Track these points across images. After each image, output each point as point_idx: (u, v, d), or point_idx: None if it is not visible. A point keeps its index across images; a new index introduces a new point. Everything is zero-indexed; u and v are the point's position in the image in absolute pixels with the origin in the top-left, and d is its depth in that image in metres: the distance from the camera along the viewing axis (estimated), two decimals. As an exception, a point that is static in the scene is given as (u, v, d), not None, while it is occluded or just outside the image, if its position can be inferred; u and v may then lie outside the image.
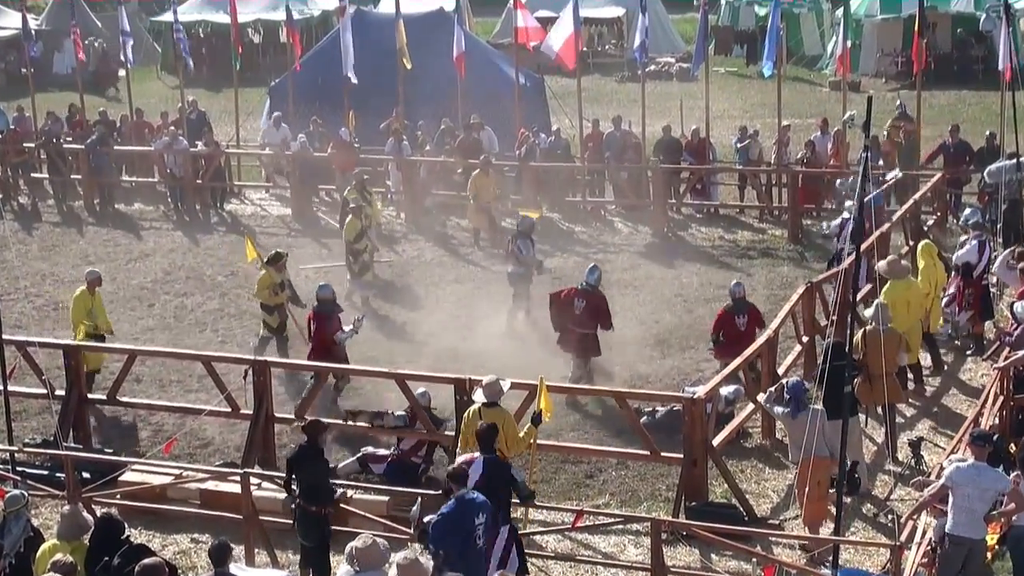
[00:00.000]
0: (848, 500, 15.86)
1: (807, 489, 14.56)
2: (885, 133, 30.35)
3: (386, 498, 16.00)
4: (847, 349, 14.28)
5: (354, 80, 32.07)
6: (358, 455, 17.80)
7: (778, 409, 15.50)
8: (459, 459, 13.99)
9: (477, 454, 13.93)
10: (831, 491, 14.84)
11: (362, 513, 15.30)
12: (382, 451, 17.84)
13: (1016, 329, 18.37)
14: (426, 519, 13.43)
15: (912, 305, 19.32)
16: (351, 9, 34.35)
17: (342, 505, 15.23)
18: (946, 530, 13.33)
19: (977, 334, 21.49)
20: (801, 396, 15.25)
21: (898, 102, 29.51)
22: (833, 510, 14.30)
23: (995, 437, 16.31)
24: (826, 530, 15.18)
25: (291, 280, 22.59)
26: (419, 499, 14.91)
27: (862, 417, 18.42)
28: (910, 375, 19.57)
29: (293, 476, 14.56)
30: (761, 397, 16.70)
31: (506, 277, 23.53)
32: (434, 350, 22.13)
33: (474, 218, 28.76)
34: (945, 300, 21.43)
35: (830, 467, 14.73)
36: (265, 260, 22.09)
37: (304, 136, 32.10)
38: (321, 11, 54.76)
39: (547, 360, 20.48)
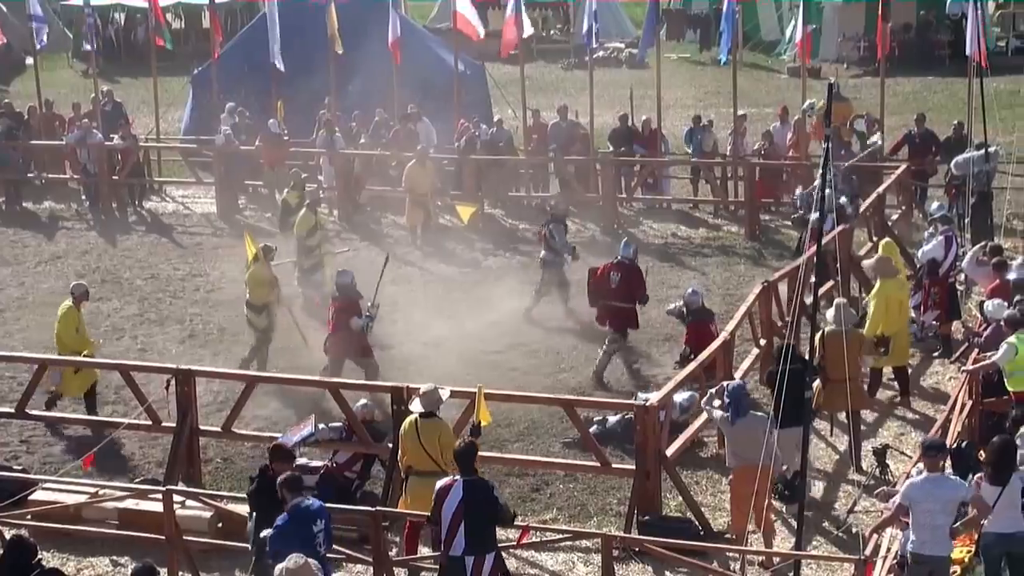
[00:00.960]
0: (809, 513, 15.99)
1: (752, 500, 14.67)
2: (810, 118, 30.21)
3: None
4: (809, 352, 14.37)
5: (281, 67, 32.00)
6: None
7: (717, 413, 15.54)
8: (439, 484, 13.76)
9: (456, 477, 13.73)
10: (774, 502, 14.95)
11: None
12: (316, 462, 17.76)
13: (986, 329, 18.55)
14: (262, 534, 13.35)
15: (904, 305, 19.47)
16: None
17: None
18: (908, 549, 13.44)
19: (944, 334, 21.66)
20: (742, 400, 15.29)
21: (831, 79, 29.96)
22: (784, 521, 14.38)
23: (964, 444, 16.50)
24: (787, 544, 15.29)
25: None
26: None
27: (823, 424, 18.61)
28: (892, 380, 19.71)
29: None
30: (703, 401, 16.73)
31: (539, 263, 24.37)
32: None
33: (410, 213, 28.74)
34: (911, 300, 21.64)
35: (768, 476, 14.77)
36: (253, 256, 22.13)
37: (229, 128, 31.97)
38: (248, -6, 54.65)
39: (501, 364, 20.48)
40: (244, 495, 16.53)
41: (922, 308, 21.74)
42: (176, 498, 15.48)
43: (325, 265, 25.00)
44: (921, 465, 13.78)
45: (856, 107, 33.73)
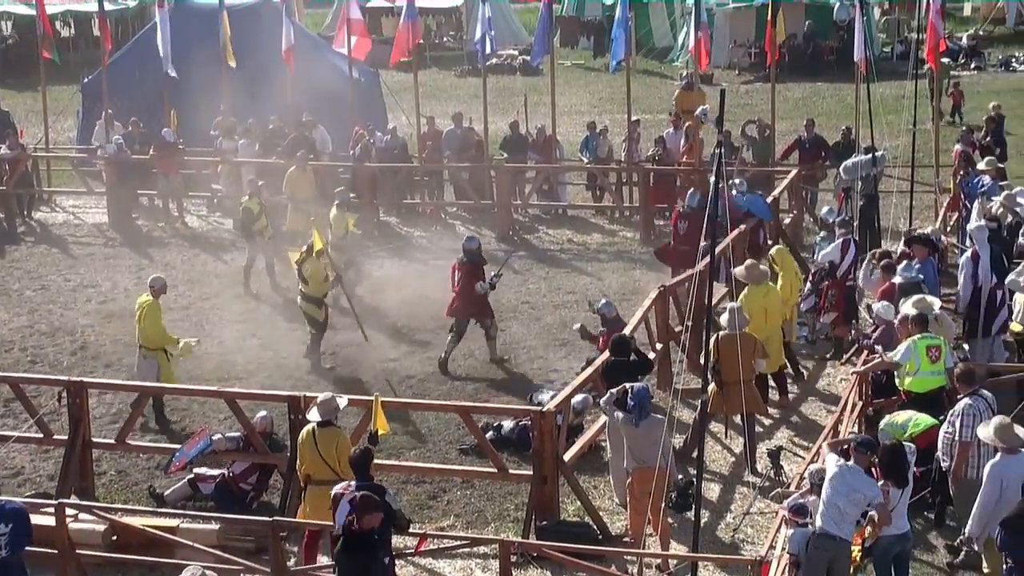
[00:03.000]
0: (706, 515, 16.12)
1: (647, 501, 14.77)
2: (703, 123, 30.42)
3: (216, 526, 15.81)
4: (704, 356, 14.47)
5: (172, 74, 31.68)
6: (189, 476, 17.56)
7: (619, 414, 15.59)
8: (334, 490, 13.74)
9: (350, 482, 13.69)
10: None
11: (191, 543, 15.09)
12: (213, 471, 17.62)
13: (875, 331, 18.80)
14: None
15: (770, 312, 19.52)
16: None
17: (168, 535, 15.03)
18: (815, 529, 13.58)
19: (839, 337, 21.87)
20: (646, 403, 15.37)
21: (683, 73, 30.58)
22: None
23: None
24: (684, 546, 15.38)
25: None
26: None
27: (719, 427, 18.76)
28: (772, 384, 19.89)
29: None
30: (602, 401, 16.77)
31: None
32: (272, 365, 21.99)
33: (292, 220, 28.31)
34: (804, 303, 21.85)
35: (664, 479, 14.89)
36: (303, 252, 22.17)
37: (120, 138, 31.59)
38: (138, 1, 54.03)
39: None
40: (138, 508, 16.48)
41: (818, 310, 21.99)
42: (69, 512, 15.26)
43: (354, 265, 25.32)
44: (820, 463, 14.02)
45: (746, 112, 34.11)
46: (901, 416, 16.38)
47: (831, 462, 13.81)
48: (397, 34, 32.44)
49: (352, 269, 24.92)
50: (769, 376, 19.72)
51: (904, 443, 14.89)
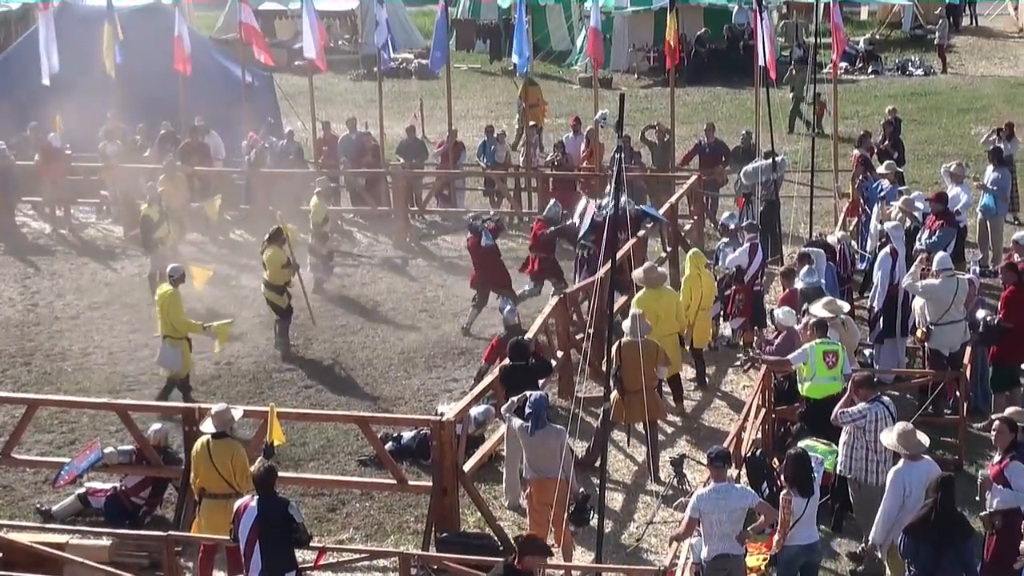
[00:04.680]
0: (609, 525, 16.16)
1: (547, 512, 14.78)
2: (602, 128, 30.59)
3: (108, 542, 15.59)
4: (606, 363, 14.49)
5: (46, 82, 31.16)
6: (79, 490, 17.31)
7: (517, 422, 15.57)
8: (237, 503, 13.62)
9: (252, 496, 13.59)
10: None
11: (81, 560, 14.87)
12: (105, 485, 17.38)
13: (777, 337, 18.95)
14: None
15: (662, 317, 19.47)
16: (55, 2, 33.46)
17: (57, 552, 14.80)
18: (703, 558, 13.67)
19: (747, 342, 22.01)
20: (543, 412, 15.34)
21: (524, 71, 30.92)
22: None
23: (758, 452, 16.87)
24: (587, 557, 15.40)
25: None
26: None
27: (621, 436, 18.82)
28: (667, 389, 19.96)
29: None
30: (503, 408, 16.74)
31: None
32: (166, 376, 21.73)
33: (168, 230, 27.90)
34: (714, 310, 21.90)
35: (565, 489, 14.87)
36: (266, 239, 22.84)
37: (1, 143, 31.04)
38: (21, 4, 53.16)
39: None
40: (25, 524, 16.21)
41: (726, 316, 22.12)
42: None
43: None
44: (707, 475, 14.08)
45: (646, 117, 34.29)
46: (821, 447, 16.40)
47: (693, 502, 13.79)
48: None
49: (324, 259, 26.03)
50: (665, 382, 19.80)
51: (808, 451, 15.01)
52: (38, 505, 17.42)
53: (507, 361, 17.55)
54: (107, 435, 19.01)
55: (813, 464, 14.45)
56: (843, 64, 43.90)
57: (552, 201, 25.48)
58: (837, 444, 15.91)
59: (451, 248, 29.22)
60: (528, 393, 15.71)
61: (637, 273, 20.26)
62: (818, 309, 18.28)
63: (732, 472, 14.95)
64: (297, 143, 31.87)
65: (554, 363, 19.80)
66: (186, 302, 20.89)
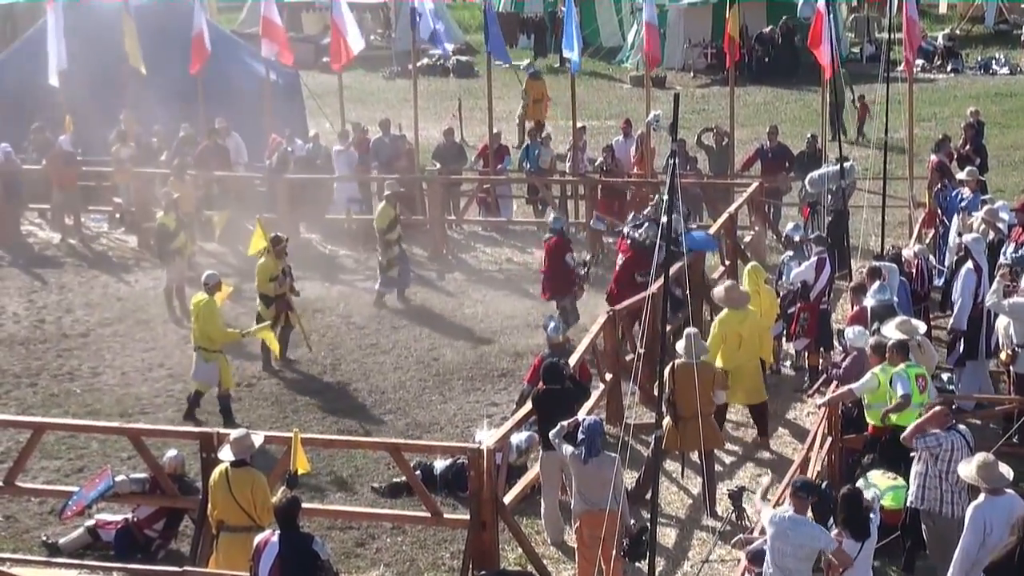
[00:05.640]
0: (661, 563, 16.11)
1: (597, 548, 14.73)
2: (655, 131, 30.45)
3: (117, 579, 15.70)
4: (659, 387, 14.45)
5: (54, 83, 31.35)
6: (88, 522, 17.40)
7: (568, 448, 15.53)
8: (257, 538, 13.66)
9: (273, 531, 13.62)
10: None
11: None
12: (116, 517, 17.45)
13: (845, 359, 18.86)
14: None
15: (747, 340, 19.52)
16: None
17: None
18: None
19: (812, 366, 21.86)
20: (597, 439, 15.30)
21: (526, 62, 30.83)
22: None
23: (824, 485, 16.76)
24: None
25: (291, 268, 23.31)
26: None
27: (674, 466, 18.77)
28: (750, 419, 19.91)
29: None
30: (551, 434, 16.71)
31: None
32: (182, 398, 21.84)
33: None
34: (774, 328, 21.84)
35: (616, 522, 14.85)
36: (263, 247, 22.96)
37: (8, 146, 31.29)
38: (28, -4, 53.60)
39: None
40: (30, 557, 16.29)
41: (790, 336, 21.99)
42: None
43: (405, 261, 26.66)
44: (787, 506, 13.98)
45: (703, 119, 34.28)
46: (884, 482, 16.32)
47: (767, 518, 13.75)
48: (333, 35, 31.88)
49: (397, 267, 26.23)
50: (749, 409, 19.77)
51: (869, 487, 14.92)
52: (44, 538, 17.52)
53: (541, 385, 17.52)
54: (118, 462, 19.09)
55: (869, 502, 14.32)
56: (919, 62, 43.73)
57: (553, 216, 25.40)
58: (907, 478, 15.83)
59: (491, 261, 29.25)
60: (582, 418, 15.70)
61: (718, 292, 20.23)
62: (891, 330, 18.14)
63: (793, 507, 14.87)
64: (324, 147, 31.85)
65: (601, 386, 19.81)
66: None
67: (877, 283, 20.17)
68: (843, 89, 36.32)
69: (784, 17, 49.18)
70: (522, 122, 37.10)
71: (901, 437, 15.74)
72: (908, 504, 15.78)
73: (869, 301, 19.88)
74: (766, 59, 48.70)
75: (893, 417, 16.99)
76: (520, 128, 36.78)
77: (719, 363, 19.14)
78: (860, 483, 15.96)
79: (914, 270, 21.99)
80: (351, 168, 31.05)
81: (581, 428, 15.39)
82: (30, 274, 28.95)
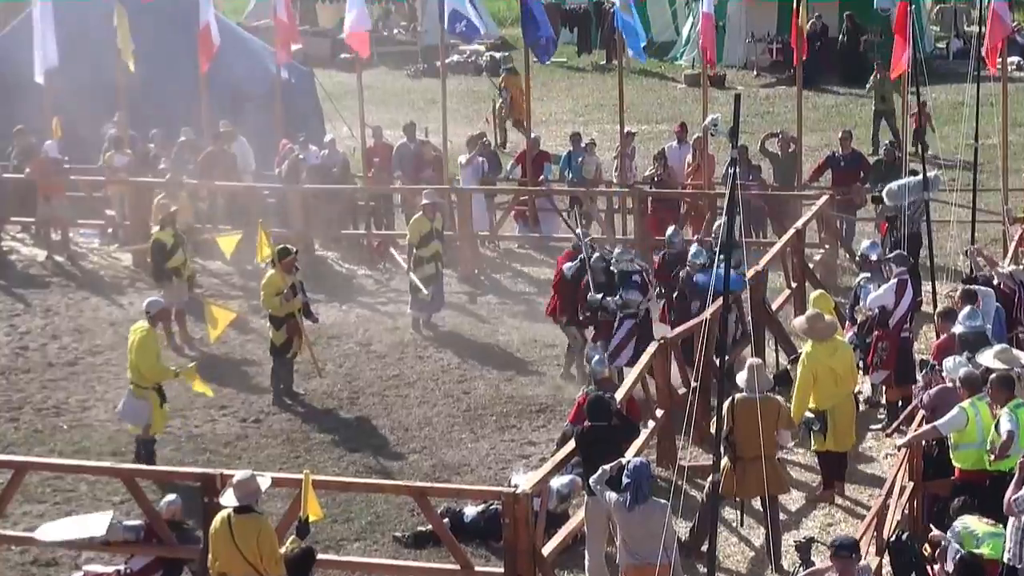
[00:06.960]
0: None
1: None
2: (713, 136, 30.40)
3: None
4: (716, 425, 14.43)
5: (39, 79, 31.52)
6: (76, 574, 17.44)
7: (611, 495, 15.48)
8: None
9: None
10: None
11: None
12: (107, 568, 17.48)
13: (924, 391, 18.64)
14: None
15: (840, 375, 19.40)
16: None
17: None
18: None
19: (891, 401, 21.75)
20: (644, 483, 15.26)
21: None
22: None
23: (904, 535, 16.66)
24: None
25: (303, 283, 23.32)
26: None
27: (733, 514, 18.71)
28: (816, 464, 19.86)
29: None
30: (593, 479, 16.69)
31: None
32: (182, 435, 21.90)
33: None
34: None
35: None
36: (268, 259, 23.05)
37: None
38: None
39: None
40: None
41: (866, 368, 21.81)
42: None
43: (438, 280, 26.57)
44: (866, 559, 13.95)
45: (767, 123, 34.29)
46: (982, 528, 16.21)
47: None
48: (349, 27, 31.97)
49: (433, 286, 26.19)
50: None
51: (964, 533, 14.82)
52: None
53: (586, 423, 17.48)
54: (110, 506, 19.14)
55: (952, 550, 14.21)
56: (1015, 59, 43.59)
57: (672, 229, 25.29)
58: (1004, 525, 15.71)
59: (530, 282, 29.18)
60: (625, 460, 15.63)
61: (799, 323, 20.15)
62: (987, 359, 17.97)
63: (871, 562, 14.80)
64: (341, 153, 31.92)
65: (652, 423, 19.77)
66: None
67: (969, 308, 20.00)
68: (892, 95, 36.08)
69: (846, 13, 48.80)
70: (501, 122, 37.31)
71: (1004, 509, 15.50)
72: (1006, 560, 15.66)
73: (959, 328, 19.71)
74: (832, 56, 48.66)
75: (955, 455, 16.91)
76: (499, 128, 36.98)
77: (812, 405, 19.10)
78: (957, 528, 15.77)
79: (1007, 294, 21.82)
80: (477, 180, 31.12)
81: (626, 471, 15.33)
82: (11, 295, 29.07)
